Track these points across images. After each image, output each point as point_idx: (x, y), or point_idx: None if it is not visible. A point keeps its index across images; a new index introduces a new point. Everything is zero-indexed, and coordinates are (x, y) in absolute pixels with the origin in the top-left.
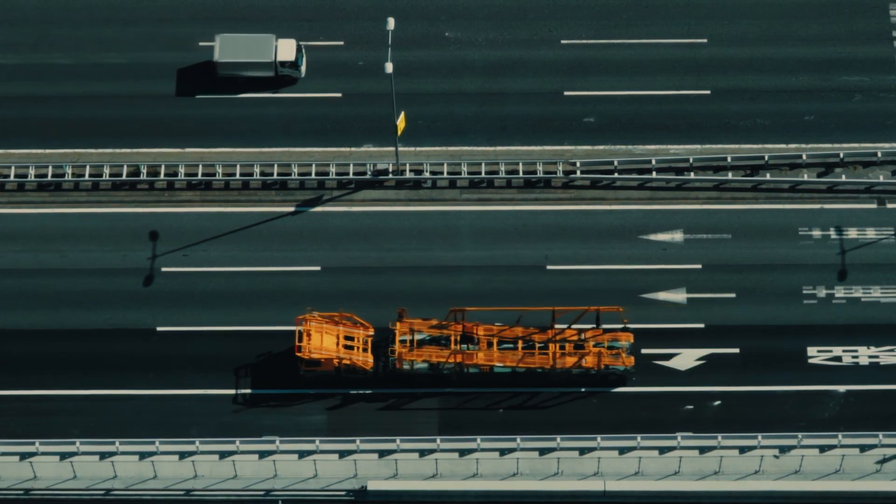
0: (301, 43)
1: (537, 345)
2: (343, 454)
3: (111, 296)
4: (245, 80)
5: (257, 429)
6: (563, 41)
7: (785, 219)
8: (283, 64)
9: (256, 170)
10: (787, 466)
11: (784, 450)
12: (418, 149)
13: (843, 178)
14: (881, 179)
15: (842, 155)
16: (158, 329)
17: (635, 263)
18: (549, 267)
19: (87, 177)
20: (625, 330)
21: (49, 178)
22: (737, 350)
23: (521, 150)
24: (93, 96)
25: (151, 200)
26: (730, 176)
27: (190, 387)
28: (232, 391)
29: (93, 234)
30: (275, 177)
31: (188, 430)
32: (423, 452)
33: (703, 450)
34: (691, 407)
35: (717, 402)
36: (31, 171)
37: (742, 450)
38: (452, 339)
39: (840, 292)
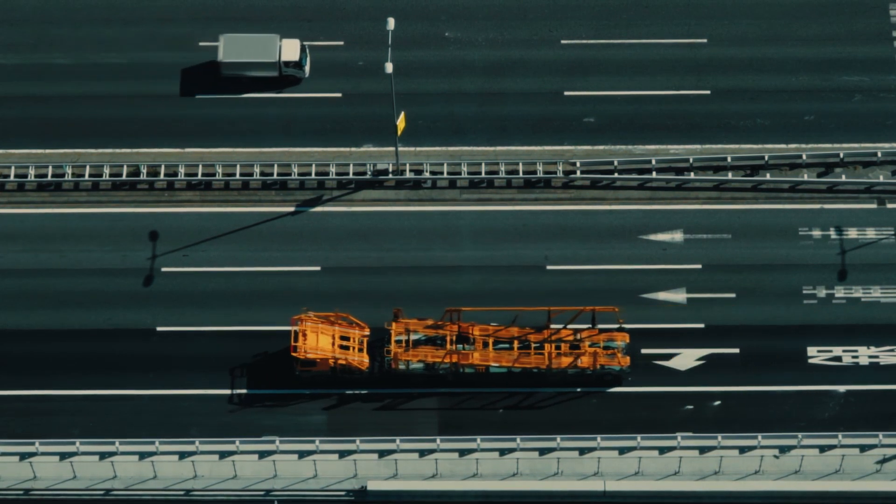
0: (305, 43)
1: (533, 345)
2: (343, 454)
3: (111, 296)
4: (249, 80)
5: (257, 429)
6: (563, 41)
7: (785, 219)
8: (287, 64)
9: (256, 170)
10: (787, 466)
11: (784, 450)
12: (418, 149)
13: (843, 178)
14: (881, 179)
15: (842, 155)
16: (158, 329)
17: (635, 263)
18: (549, 267)
19: (87, 177)
20: (620, 330)
21: (49, 178)
22: (737, 350)
23: (521, 150)
24: (93, 96)
25: (151, 200)
26: (730, 176)
27: (190, 387)
28: (232, 391)
29: (93, 234)
30: (275, 177)
31: (188, 430)
32: (423, 452)
33: (703, 450)
34: (691, 407)
35: (717, 402)
36: (31, 171)
37: (742, 450)
38: (448, 339)
39: (840, 292)
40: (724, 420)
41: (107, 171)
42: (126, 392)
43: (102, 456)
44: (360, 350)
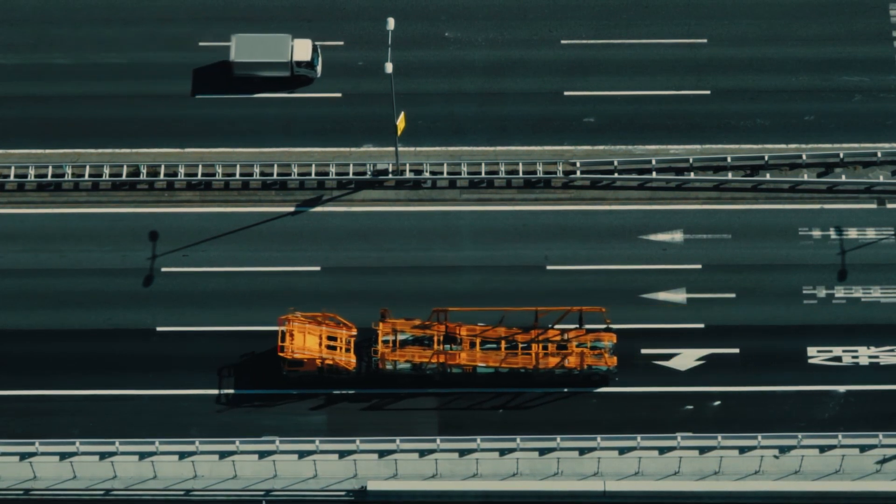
0: (317, 43)
1: (520, 345)
2: (343, 454)
3: (111, 296)
4: (261, 80)
5: (257, 429)
6: (563, 41)
7: (785, 219)
8: (298, 64)
9: (256, 170)
10: (787, 466)
11: (784, 450)
12: (418, 149)
13: (843, 178)
14: (881, 179)
15: (842, 155)
16: (158, 329)
17: (635, 263)
18: (549, 267)
19: (86, 177)
20: (608, 330)
21: (49, 178)
22: (737, 350)
23: (521, 150)
24: (93, 96)
25: (151, 200)
26: (730, 176)
27: (190, 387)
28: (235, 391)
29: (93, 234)
30: (275, 177)
31: (188, 430)
32: (422, 452)
33: (703, 450)
34: (691, 407)
35: (717, 402)
36: (31, 171)
37: (742, 450)
38: (435, 339)
39: (840, 292)
40: (724, 420)
41: (107, 171)
42: (126, 392)
43: (102, 456)
44: (348, 350)
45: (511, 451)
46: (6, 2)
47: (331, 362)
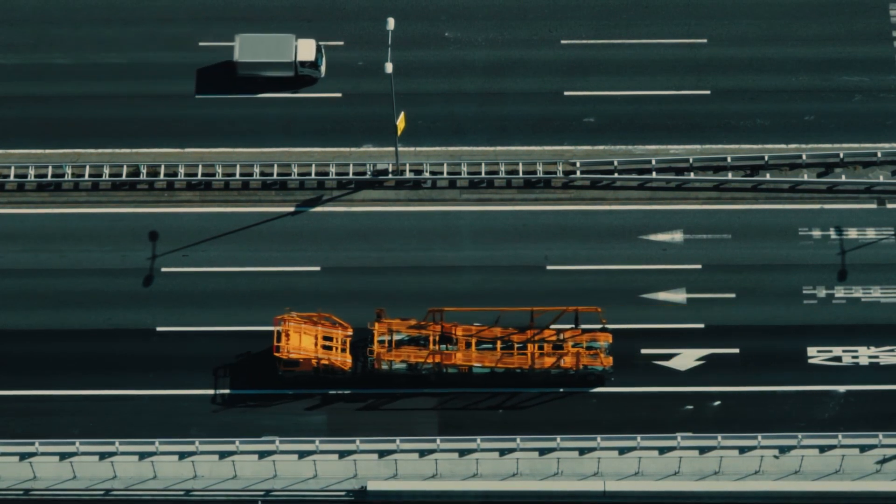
0: (321, 43)
1: (516, 345)
2: (343, 454)
3: (111, 296)
4: (264, 80)
5: (257, 429)
6: (563, 41)
7: (785, 219)
8: (303, 64)
9: (256, 170)
10: (787, 467)
11: (784, 450)
12: (418, 149)
13: (843, 178)
14: (881, 179)
15: (842, 155)
16: (158, 329)
17: (635, 263)
18: (549, 267)
19: (86, 177)
20: (603, 330)
21: (49, 178)
22: (737, 350)
23: (521, 150)
24: (93, 96)
25: (151, 200)
26: (730, 176)
27: (190, 387)
28: (231, 391)
29: (93, 234)
30: (275, 177)
31: (188, 430)
32: (423, 452)
33: (702, 450)
34: (691, 407)
35: (717, 402)
36: (31, 171)
37: (742, 450)
38: (431, 339)
39: (840, 292)
40: (724, 420)
41: (106, 171)
42: (126, 392)
43: (102, 456)
44: (343, 350)
45: (511, 451)
46: (6, 2)
47: (326, 362)
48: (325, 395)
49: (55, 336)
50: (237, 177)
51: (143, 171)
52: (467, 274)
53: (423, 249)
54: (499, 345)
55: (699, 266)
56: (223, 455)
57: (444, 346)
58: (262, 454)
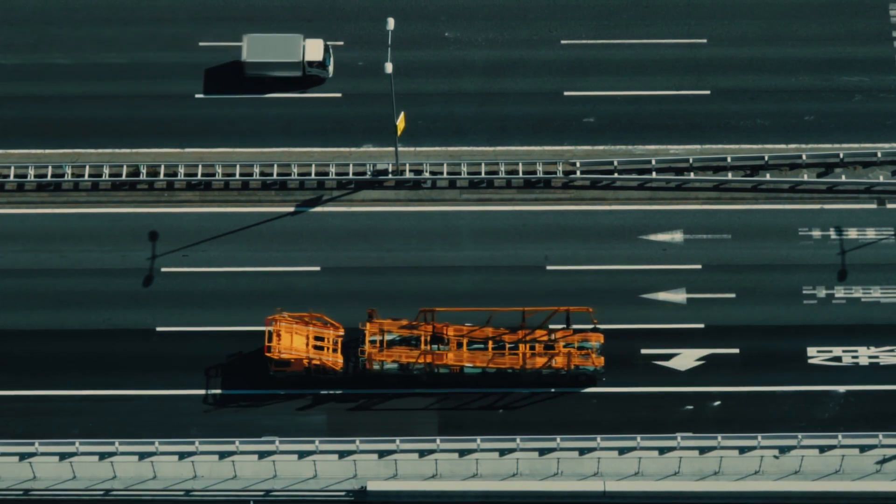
0: (328, 43)
1: (507, 345)
2: (343, 454)
3: (111, 296)
4: (272, 80)
5: (257, 429)
6: (563, 41)
7: (785, 219)
8: (310, 64)
9: (256, 170)
10: (787, 467)
11: (784, 450)
12: (418, 149)
13: (843, 179)
14: (881, 179)
15: (842, 155)
16: (158, 329)
17: (635, 263)
18: (549, 267)
19: (86, 177)
20: (595, 330)
21: (49, 178)
22: (737, 350)
23: (521, 150)
24: (93, 96)
25: (151, 200)
26: (730, 176)
27: (190, 387)
28: (222, 391)
29: (93, 234)
30: (274, 177)
31: (188, 430)
32: (422, 453)
33: (702, 450)
34: (691, 407)
35: (717, 403)
36: (31, 172)
37: (742, 450)
38: (422, 339)
39: (840, 292)
40: (724, 420)
41: (106, 171)
42: (126, 392)
43: (102, 456)
44: (335, 350)
45: (511, 451)
46: (6, 2)
47: (318, 362)
48: (320, 395)
49: (55, 336)
50: (237, 177)
51: (143, 171)
52: (467, 274)
53: (423, 249)
54: (490, 345)
55: (699, 266)
56: (223, 455)
57: (435, 347)
58: (262, 454)
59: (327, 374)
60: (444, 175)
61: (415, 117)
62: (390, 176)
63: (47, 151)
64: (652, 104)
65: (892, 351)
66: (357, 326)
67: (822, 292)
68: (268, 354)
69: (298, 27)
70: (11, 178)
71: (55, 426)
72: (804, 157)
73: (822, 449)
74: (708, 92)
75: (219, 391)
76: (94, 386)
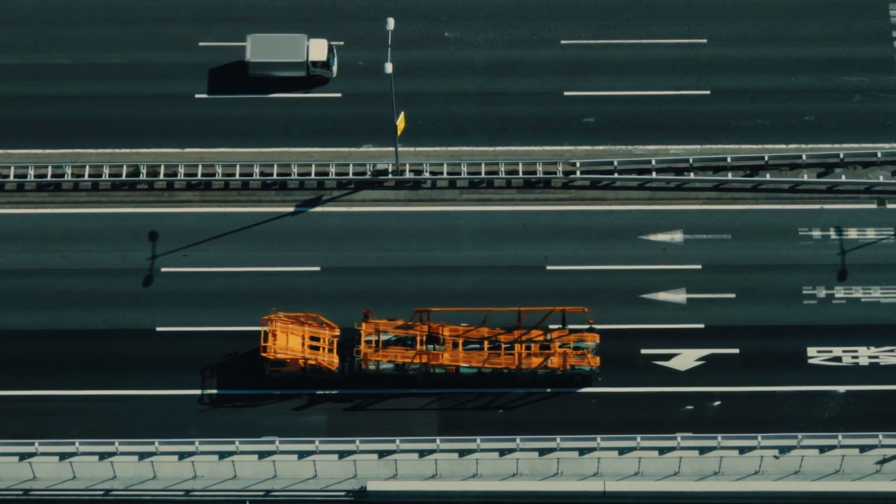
0: (332, 43)
1: (503, 345)
2: (343, 454)
3: (111, 296)
4: (276, 80)
5: (257, 429)
6: (563, 41)
7: (785, 219)
8: (314, 64)
9: (256, 170)
10: (787, 467)
11: (784, 450)
12: (418, 149)
13: (843, 179)
14: (881, 179)
15: (842, 155)
16: (158, 329)
17: (635, 263)
18: (549, 267)
19: (86, 177)
20: (591, 330)
21: (49, 178)
22: (737, 350)
23: (521, 151)
24: (93, 96)
25: (151, 200)
26: (730, 176)
27: (190, 387)
28: (236, 391)
29: (93, 235)
30: (274, 177)
31: (188, 430)
32: (422, 453)
33: (702, 450)
34: (691, 407)
35: (717, 403)
36: (31, 171)
37: (742, 450)
38: (418, 339)
39: (840, 292)
40: (724, 420)
41: (106, 171)
42: (126, 392)
43: (102, 456)
44: (331, 350)
45: (511, 451)
46: (6, 2)
47: (314, 362)
48: (318, 395)
49: (55, 336)
50: (237, 177)
51: (143, 171)
52: (467, 274)
53: (423, 249)
54: (486, 345)
55: (699, 266)
56: (223, 455)
57: (431, 347)
58: (262, 454)
59: (323, 374)
60: (444, 175)
61: (415, 117)
62: (390, 176)
63: (47, 151)
64: (652, 104)
65: (892, 351)
66: (353, 326)
67: (822, 292)
68: (263, 354)
69: (298, 27)
70: (11, 178)
71: (55, 426)
72: (804, 157)
73: (822, 449)
74: (708, 92)
75: (219, 391)
76: (94, 386)
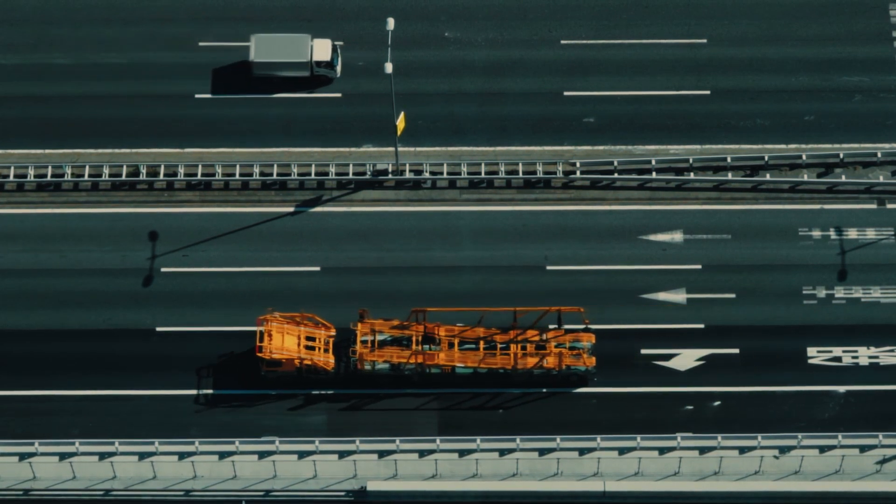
0: (336, 43)
1: (499, 345)
2: (343, 454)
3: (111, 296)
4: (280, 80)
5: (257, 429)
6: (563, 41)
7: (785, 219)
8: (318, 64)
9: (256, 170)
10: (787, 467)
11: (784, 450)
12: (418, 149)
13: (843, 179)
14: (881, 180)
15: (842, 155)
16: (158, 329)
17: (635, 264)
18: (549, 267)
19: (86, 177)
20: (586, 330)
21: (49, 178)
22: (737, 350)
23: (520, 151)
24: (93, 96)
25: (151, 200)
26: (730, 176)
27: (190, 387)
28: (236, 391)
29: (93, 235)
30: (274, 177)
31: (188, 430)
32: (422, 453)
33: (702, 450)
34: (691, 407)
35: (717, 403)
36: (31, 172)
37: (742, 450)
38: (414, 339)
39: (840, 292)
40: (724, 420)
41: (106, 171)
42: (126, 392)
43: (102, 456)
44: (326, 350)
45: (511, 451)
46: (6, 2)
47: (309, 362)
48: (317, 395)
49: (55, 336)
50: (237, 177)
51: (143, 171)
52: (467, 274)
53: (423, 249)
54: (482, 345)
55: (699, 266)
56: (223, 455)
57: (426, 347)
58: (262, 454)
59: (319, 374)
60: (444, 175)
61: (415, 117)
62: (390, 176)
63: (47, 151)
64: (652, 104)
65: (892, 351)
66: (349, 327)
67: (822, 292)
68: (259, 354)
69: (298, 27)
70: (11, 178)
71: (55, 426)
72: (804, 157)
73: (822, 449)
74: (708, 92)
75: (219, 391)
76: (94, 386)
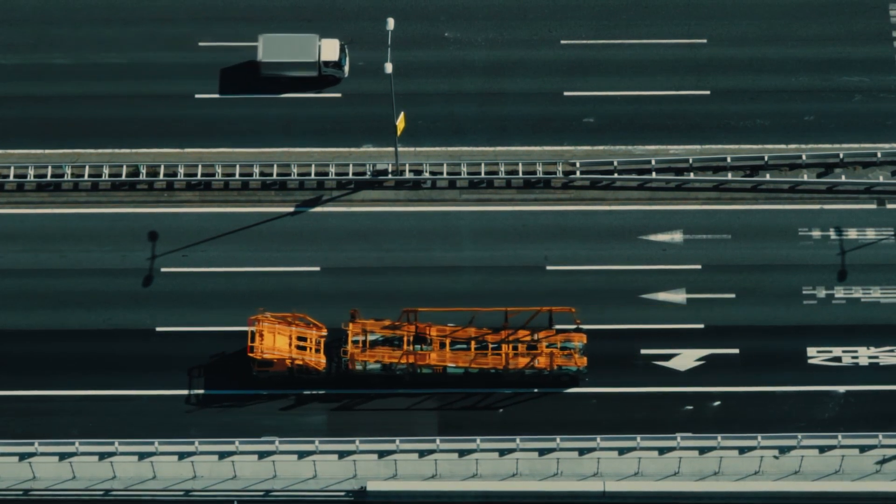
0: (343, 43)
1: (490, 345)
2: (342, 455)
3: (111, 296)
4: (288, 80)
5: (257, 429)
6: (563, 41)
7: (785, 219)
8: (326, 64)
9: (256, 170)
10: (787, 467)
11: (784, 450)
12: (418, 149)
13: (843, 179)
14: (881, 180)
15: (841, 155)
16: (158, 329)
17: (635, 264)
18: (548, 267)
19: (86, 177)
20: (578, 331)
21: (49, 178)
22: (736, 350)
23: (520, 151)
24: (93, 96)
25: (151, 201)
26: (730, 176)
27: (190, 387)
28: (236, 391)
29: (92, 235)
30: (274, 177)
31: (187, 430)
32: (422, 453)
33: (702, 450)
34: (691, 407)
35: (717, 403)
36: (31, 171)
37: (742, 450)
38: (405, 339)
39: (840, 293)
40: (724, 420)
41: (106, 171)
42: (126, 392)
43: (102, 456)
44: (318, 350)
45: (511, 451)
46: (6, 2)
47: (301, 363)
48: (314, 396)
49: (55, 336)
50: (237, 177)
51: (143, 171)
52: (467, 274)
53: (423, 249)
54: (473, 345)
55: (699, 266)
56: (223, 455)
57: (418, 347)
58: (262, 454)
59: (310, 374)
60: (444, 175)
61: (415, 117)
62: (390, 176)
63: (47, 151)
64: (652, 104)
65: (892, 351)
66: (341, 327)
67: (822, 292)
68: (250, 355)
69: (298, 27)
70: (11, 178)
71: (55, 426)
72: (804, 157)
73: (822, 449)
74: (708, 92)
75: (220, 392)
76: (94, 386)
